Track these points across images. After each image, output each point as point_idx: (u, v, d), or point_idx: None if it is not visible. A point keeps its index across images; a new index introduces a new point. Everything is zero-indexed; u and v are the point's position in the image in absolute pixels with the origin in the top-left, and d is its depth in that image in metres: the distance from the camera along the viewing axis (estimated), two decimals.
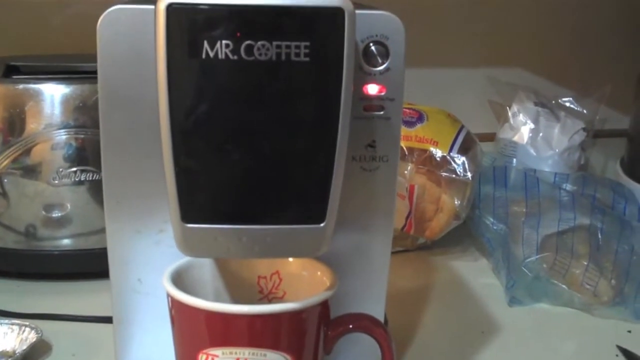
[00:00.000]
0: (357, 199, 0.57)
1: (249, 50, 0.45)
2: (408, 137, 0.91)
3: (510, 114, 1.08)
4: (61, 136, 0.79)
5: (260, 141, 0.46)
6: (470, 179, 0.90)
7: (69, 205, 0.80)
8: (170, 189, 0.47)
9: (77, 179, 0.79)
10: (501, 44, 1.14)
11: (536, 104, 1.08)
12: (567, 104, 1.10)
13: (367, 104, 0.55)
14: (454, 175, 0.90)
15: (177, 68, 0.45)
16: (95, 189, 0.80)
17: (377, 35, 0.53)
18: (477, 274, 0.90)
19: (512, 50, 1.15)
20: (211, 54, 0.45)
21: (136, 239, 0.57)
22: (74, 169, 0.79)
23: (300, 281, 0.58)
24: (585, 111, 1.10)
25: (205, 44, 0.45)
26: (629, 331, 0.77)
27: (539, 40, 1.15)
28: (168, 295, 0.53)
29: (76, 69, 0.84)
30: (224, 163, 0.47)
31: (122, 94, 0.53)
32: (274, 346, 0.51)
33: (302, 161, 0.47)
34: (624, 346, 0.74)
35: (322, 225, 0.49)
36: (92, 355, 0.68)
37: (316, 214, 0.48)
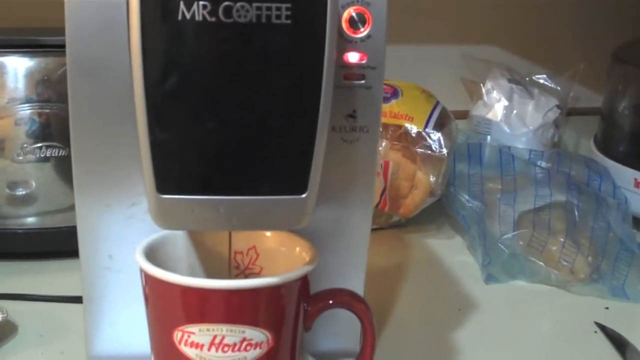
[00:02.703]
0: (337, 171, 0.55)
1: (228, 11, 0.43)
2: (382, 113, 0.89)
3: (484, 91, 1.07)
4: (25, 111, 0.76)
5: (240, 108, 0.44)
6: (445, 154, 0.89)
7: (33, 183, 0.77)
8: (145, 158, 0.45)
9: (42, 155, 0.77)
10: (475, 20, 1.13)
11: (510, 81, 1.07)
12: (541, 81, 1.10)
13: (348, 72, 0.53)
14: (429, 151, 0.88)
15: (151, 31, 0.43)
16: (61, 166, 0.77)
17: (358, 1, 0.52)
18: (452, 251, 0.89)
19: (485, 27, 1.14)
20: (187, 16, 0.43)
21: (107, 213, 0.55)
22: (39, 144, 0.77)
23: (278, 257, 0.56)
24: (559, 88, 1.09)
25: (182, 5, 0.42)
26: (607, 308, 0.77)
27: (512, 17, 1.15)
28: (141, 270, 0.51)
29: (40, 42, 0.81)
30: (201, 131, 0.44)
31: (91, 62, 0.50)
32: (253, 322, 0.49)
33: (282, 129, 0.45)
34: (602, 322, 0.73)
35: (303, 196, 0.47)
36: (60, 336, 0.66)
37: (297, 185, 0.47)
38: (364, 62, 0.53)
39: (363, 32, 0.52)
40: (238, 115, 0.44)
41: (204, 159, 0.45)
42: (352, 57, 0.53)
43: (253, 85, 0.44)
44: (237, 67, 0.44)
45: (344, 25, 0.52)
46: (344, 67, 0.53)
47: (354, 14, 0.52)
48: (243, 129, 0.45)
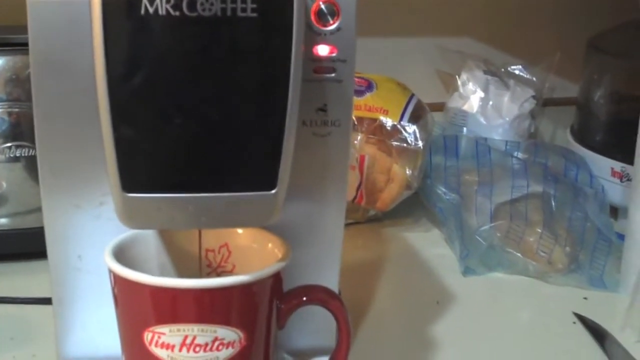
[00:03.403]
0: (309, 166, 0.55)
1: (192, 5, 0.42)
2: (357, 106, 0.88)
3: (459, 82, 1.06)
4: None
5: (206, 104, 0.43)
6: (421, 147, 0.88)
7: (4, 184, 0.76)
8: (109, 156, 0.44)
9: (12, 155, 0.76)
10: (449, 12, 1.12)
11: (485, 73, 1.06)
12: (517, 72, 1.09)
13: (318, 65, 0.52)
14: (405, 145, 0.88)
15: (114, 27, 0.42)
16: (32, 166, 0.75)
17: None
18: (429, 244, 0.88)
19: (460, 19, 1.13)
20: (151, 10, 0.41)
21: (75, 213, 0.53)
22: (9, 144, 0.75)
23: (251, 254, 0.55)
24: (534, 79, 1.08)
25: None
26: (585, 298, 0.77)
27: (487, 8, 1.14)
28: (110, 271, 0.50)
29: (9, 40, 0.80)
30: (166, 128, 0.43)
31: (55, 59, 0.49)
32: (225, 322, 0.48)
33: (251, 125, 0.44)
34: (581, 313, 0.73)
35: (273, 192, 0.46)
36: (31, 338, 0.65)
37: (267, 181, 0.46)
38: (334, 55, 0.52)
39: (332, 25, 0.51)
40: (204, 110, 0.43)
41: (170, 156, 0.44)
42: (322, 50, 0.52)
43: (219, 80, 0.43)
44: (202, 62, 0.43)
45: (313, 17, 0.51)
46: (313, 61, 0.52)
47: (322, 6, 0.51)
48: (210, 125, 0.44)
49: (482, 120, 1.04)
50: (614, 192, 0.92)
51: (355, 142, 0.87)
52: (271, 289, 0.51)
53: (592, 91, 1.00)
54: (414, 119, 0.89)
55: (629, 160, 0.81)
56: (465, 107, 1.05)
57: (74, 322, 0.56)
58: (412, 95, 0.92)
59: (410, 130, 0.88)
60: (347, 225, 0.90)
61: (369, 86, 0.91)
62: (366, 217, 0.93)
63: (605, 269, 0.80)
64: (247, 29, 0.43)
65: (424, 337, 0.69)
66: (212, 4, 0.42)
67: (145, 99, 0.43)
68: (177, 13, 0.42)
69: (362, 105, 0.89)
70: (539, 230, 0.81)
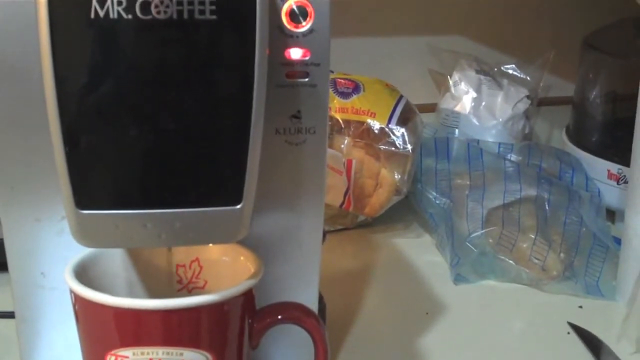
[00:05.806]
0: (283, 176, 0.52)
1: (146, 7, 0.39)
2: (344, 109, 0.86)
3: (451, 83, 1.04)
4: None
5: (163, 113, 0.41)
6: (410, 151, 0.86)
7: None
8: (61, 171, 0.41)
9: None
10: (440, 9, 1.09)
11: (478, 72, 1.04)
12: (510, 71, 1.07)
13: (290, 70, 0.49)
14: (393, 148, 0.85)
15: (61, 31, 0.39)
16: None
17: None
18: (420, 251, 0.86)
19: (451, 16, 1.10)
20: (101, 14, 0.39)
21: (36, 228, 0.51)
22: None
23: (222, 268, 0.53)
24: (528, 78, 1.06)
25: (94, 2, 0.39)
26: (580, 307, 0.74)
27: (479, 4, 1.11)
28: (71, 291, 0.47)
29: None
30: (121, 139, 0.41)
31: (9, 64, 0.46)
32: (192, 344, 0.46)
33: (212, 135, 0.42)
34: (576, 323, 0.71)
35: (238, 207, 0.43)
36: (1, 353, 0.63)
37: (231, 195, 0.43)
38: (307, 58, 0.49)
39: (305, 26, 0.49)
40: (162, 120, 0.41)
41: (126, 170, 0.42)
42: (295, 53, 0.49)
43: (177, 88, 0.41)
44: (158, 69, 0.40)
45: (285, 19, 0.48)
46: (285, 65, 0.49)
47: (294, 7, 0.48)
48: (168, 136, 0.41)
49: (474, 121, 1.02)
50: (611, 195, 0.90)
51: (342, 146, 0.85)
52: (242, 308, 0.48)
53: (587, 91, 0.98)
54: (402, 122, 0.87)
55: (626, 162, 0.78)
56: (458, 108, 1.03)
57: (39, 341, 0.54)
58: (401, 97, 0.90)
59: (399, 133, 0.86)
60: (335, 231, 0.89)
61: (356, 88, 0.88)
62: (355, 222, 0.90)
63: (602, 275, 0.77)
64: (206, 33, 0.40)
65: (413, 349, 0.67)
66: (167, 6, 0.39)
67: (98, 109, 0.40)
68: (130, 16, 0.39)
69: (349, 107, 0.86)
70: (532, 236, 0.78)
